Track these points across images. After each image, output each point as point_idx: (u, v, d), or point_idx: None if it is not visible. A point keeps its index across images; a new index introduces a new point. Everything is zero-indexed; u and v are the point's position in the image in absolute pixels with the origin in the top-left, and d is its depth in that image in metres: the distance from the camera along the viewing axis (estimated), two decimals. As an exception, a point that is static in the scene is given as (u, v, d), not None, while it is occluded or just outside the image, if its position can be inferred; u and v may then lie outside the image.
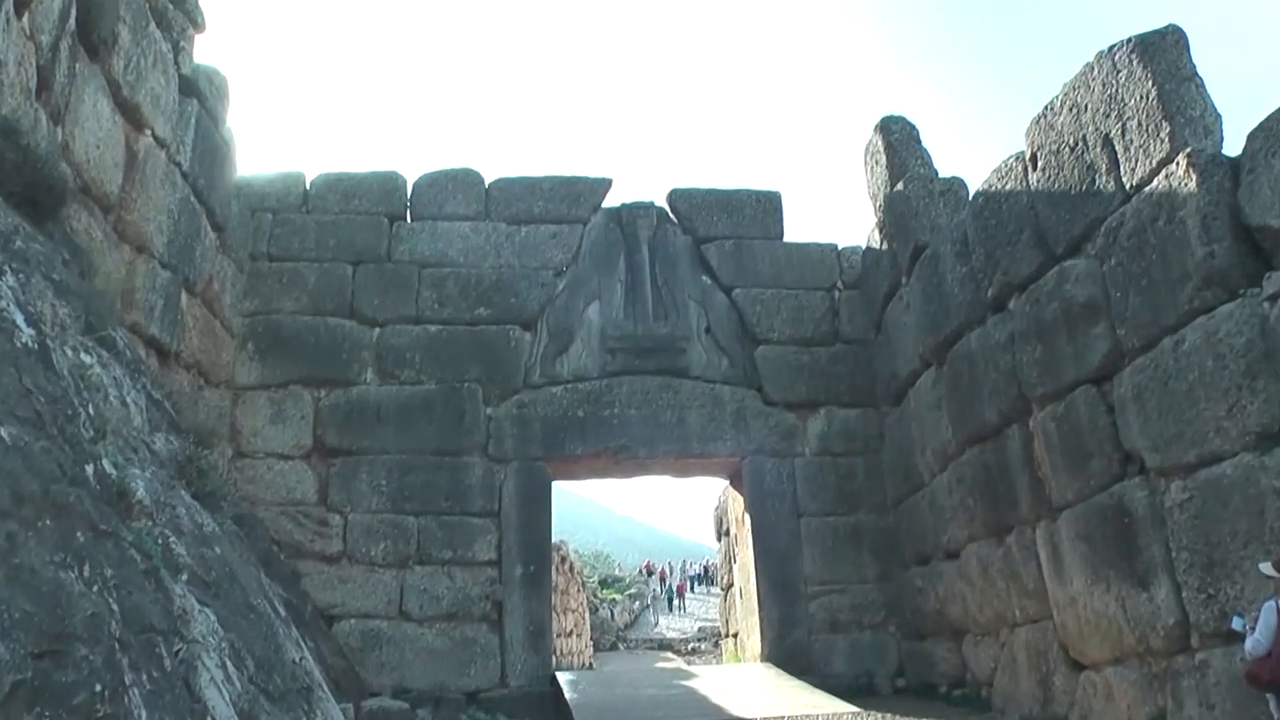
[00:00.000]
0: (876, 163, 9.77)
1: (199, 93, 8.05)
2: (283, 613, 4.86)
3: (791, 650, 9.15)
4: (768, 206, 10.49)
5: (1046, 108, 6.59)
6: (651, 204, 10.42)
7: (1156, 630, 5.57)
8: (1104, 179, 6.01)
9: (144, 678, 2.57)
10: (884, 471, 9.64)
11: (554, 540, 10.45)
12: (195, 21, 8.09)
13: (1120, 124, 5.85)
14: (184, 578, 3.41)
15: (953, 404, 8.01)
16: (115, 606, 2.61)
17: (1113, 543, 5.93)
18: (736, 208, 10.41)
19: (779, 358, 9.94)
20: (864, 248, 10.22)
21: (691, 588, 33.11)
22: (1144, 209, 5.60)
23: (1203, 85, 5.54)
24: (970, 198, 7.94)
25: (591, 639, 22.19)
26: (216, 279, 8.63)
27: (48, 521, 2.54)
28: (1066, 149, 6.34)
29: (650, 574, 35.00)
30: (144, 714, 2.46)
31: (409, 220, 10.05)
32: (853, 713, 7.19)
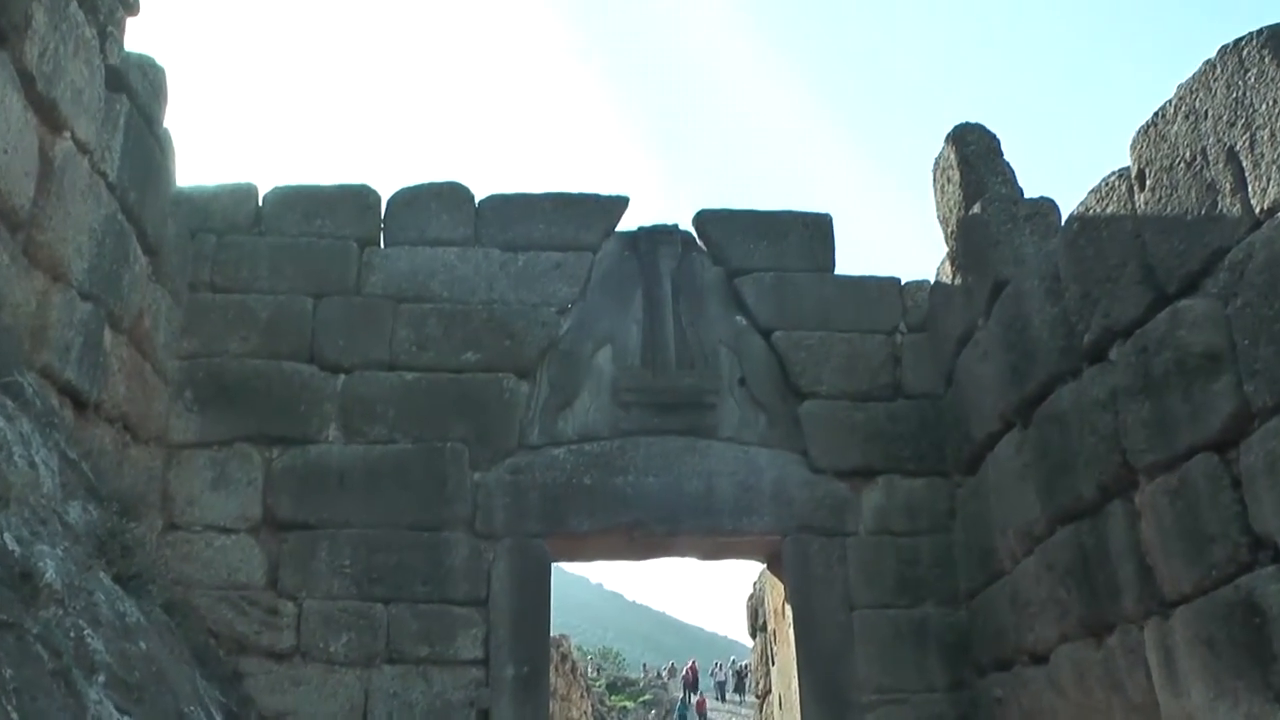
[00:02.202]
0: (948, 180, 9.74)
1: (130, 87, 8.04)
2: (221, 723, 4.81)
3: (842, 776, 9.10)
4: (816, 232, 10.46)
5: (1157, 115, 6.55)
6: (675, 228, 10.40)
7: (1296, 757, 5.44)
8: (1228, 201, 5.95)
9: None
10: (955, 555, 9.54)
11: (553, 635, 10.41)
12: (127, 2, 8.04)
13: (1248, 134, 5.80)
14: (101, 679, 3.37)
15: (1040, 473, 7.91)
16: (15, 716, 2.57)
17: (1241, 647, 5.79)
18: (778, 233, 10.39)
19: (828, 415, 9.87)
20: (932, 283, 10.18)
21: (721, 696, 32.85)
22: (1278, 238, 5.55)
23: (1349, 88, 5.51)
24: (1062, 223, 7.88)
25: (597, 756, 22.00)
26: (148, 313, 8.59)
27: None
28: (1181, 164, 6.30)
29: (673, 675, 34.79)
30: None
31: (383, 244, 10.05)
32: None
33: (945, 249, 9.84)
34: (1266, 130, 5.70)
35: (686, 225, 10.46)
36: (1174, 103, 6.42)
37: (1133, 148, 6.80)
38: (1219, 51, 6.08)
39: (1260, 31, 5.81)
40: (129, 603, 4.13)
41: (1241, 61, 5.88)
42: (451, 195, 10.24)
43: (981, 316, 8.97)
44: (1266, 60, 5.71)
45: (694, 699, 30.57)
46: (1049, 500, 7.82)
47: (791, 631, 9.60)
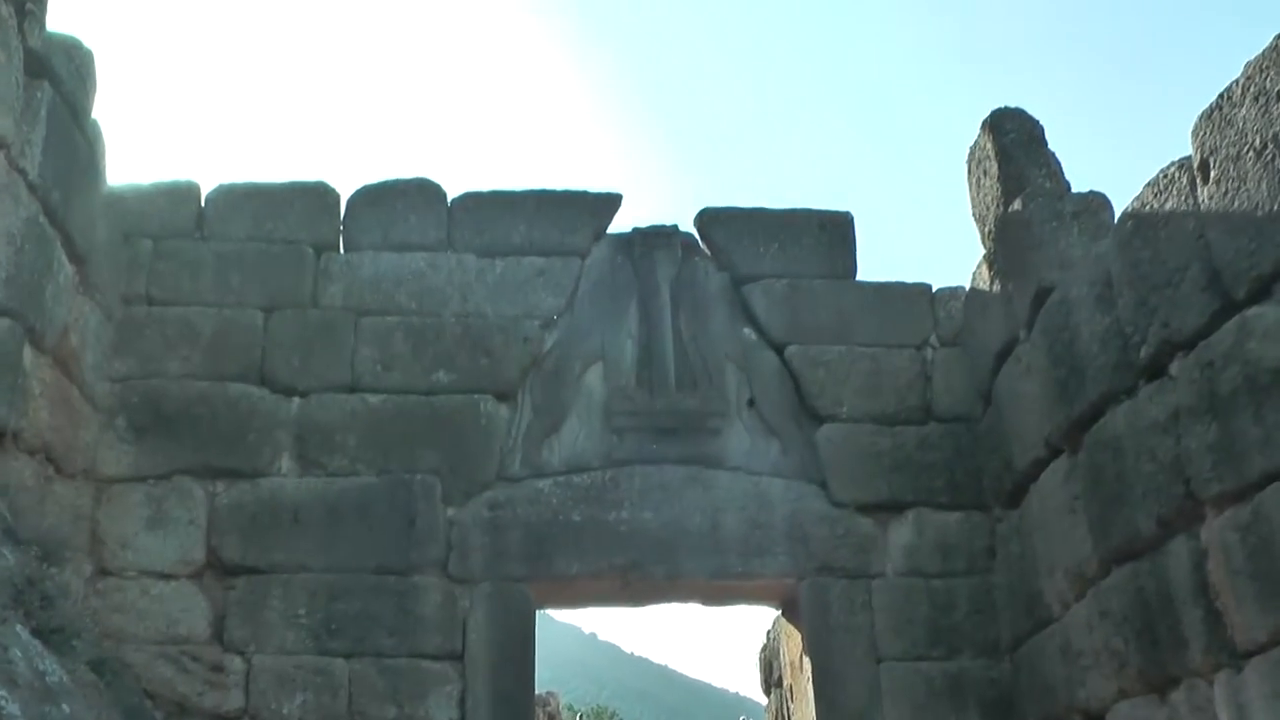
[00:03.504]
0: (984, 173, 9.73)
1: (54, 73, 8.00)
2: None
3: None
4: (835, 233, 10.47)
5: (1222, 97, 6.49)
6: (675, 229, 10.39)
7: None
8: (1304, 194, 5.91)
9: None
10: (996, 600, 9.49)
11: (539, 692, 10.37)
12: (50, -24, 8.06)
13: (1326, 118, 5.78)
14: (14, 751, 3.32)
15: (1092, 506, 7.86)
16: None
17: (1323, 703, 5.76)
18: (791, 235, 10.39)
19: (850, 441, 9.84)
20: (966, 290, 10.18)
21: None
22: (1360, 236, 5.50)
23: None
24: (1115, 221, 7.84)
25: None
26: (75, 330, 8.54)
27: None
28: (1250, 153, 6.23)
29: None
30: None
31: (342, 250, 10.03)
32: None
33: (981, 251, 9.82)
34: (1347, 113, 5.68)
35: (688, 226, 10.45)
36: (1241, 83, 6.35)
37: (1194, 135, 6.74)
38: (1293, 23, 6.07)
39: (1339, 0, 5.81)
40: (50, 660, 4.08)
41: (1319, 35, 5.86)
42: (420, 194, 10.24)
43: (1023, 328, 8.93)
44: (1347, 33, 5.70)
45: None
46: (1102, 537, 7.76)
47: (810, 687, 9.53)
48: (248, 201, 10.03)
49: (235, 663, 8.79)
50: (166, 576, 8.95)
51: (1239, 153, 6.35)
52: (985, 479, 9.79)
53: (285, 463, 9.38)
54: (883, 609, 9.48)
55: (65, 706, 3.85)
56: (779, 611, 10.74)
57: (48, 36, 8.01)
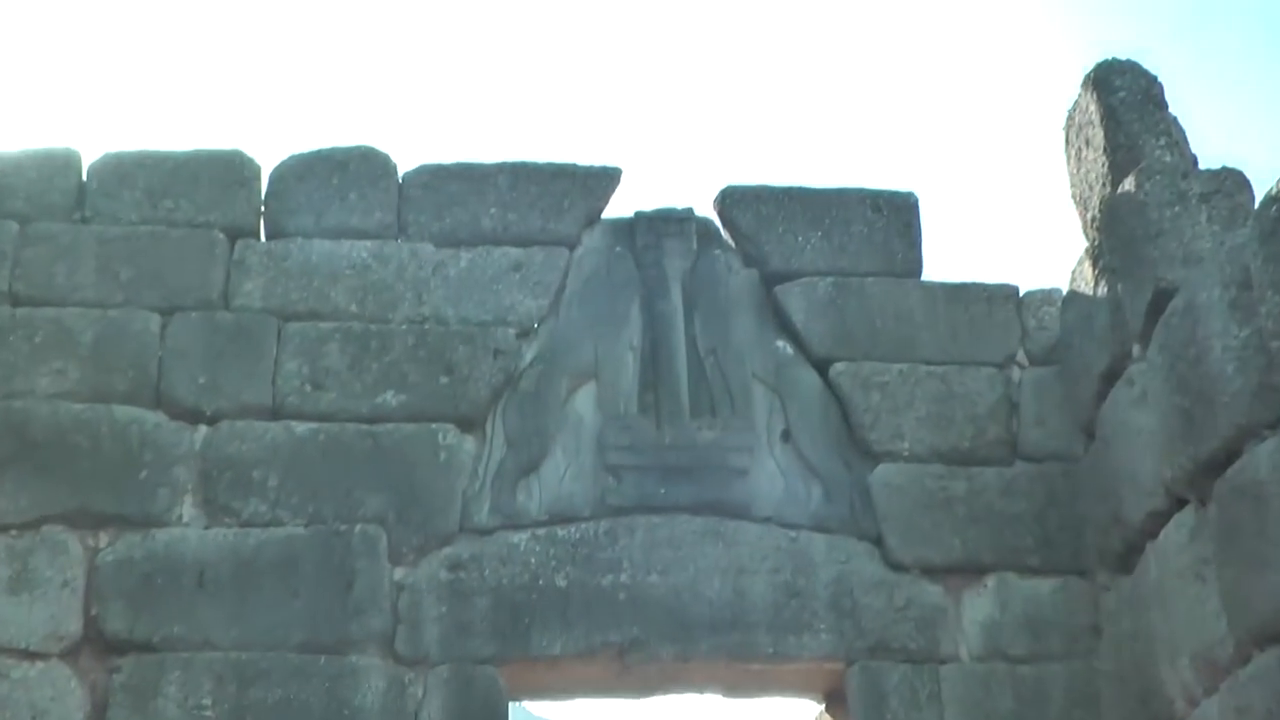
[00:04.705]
0: (1086, 143, 9.63)
1: None
2: None
3: None
4: (894, 218, 10.39)
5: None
6: (689, 213, 10.30)
7: None
8: None
9: None
10: (1102, 692, 9.31)
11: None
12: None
13: None
14: None
15: (1227, 572, 7.71)
16: None
17: None
18: (839, 220, 10.30)
19: (912, 485, 9.71)
20: (1063, 292, 10.09)
21: None
22: None
23: None
24: (1256, 205, 7.76)
25: None
26: (-85, 336, 8.53)
27: None
28: None
29: None
30: None
31: (263, 236, 9.99)
32: None
33: (1083, 243, 9.76)
34: None
35: (705, 208, 10.38)
36: None
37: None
38: None
39: None
40: None
41: None
42: (364, 165, 10.15)
43: (1136, 341, 8.86)
44: None
45: None
46: (1241, 612, 7.59)
47: (861, 806, 9.59)
48: (141, 173, 9.94)
49: (119, 770, 8.88)
50: (32, 655, 8.73)
51: None
52: (1087, 536, 9.63)
53: (187, 508, 9.24)
54: (955, 703, 9.30)
55: None
56: (821, 705, 10.41)
57: None
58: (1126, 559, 9.08)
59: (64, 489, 9.09)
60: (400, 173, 10.20)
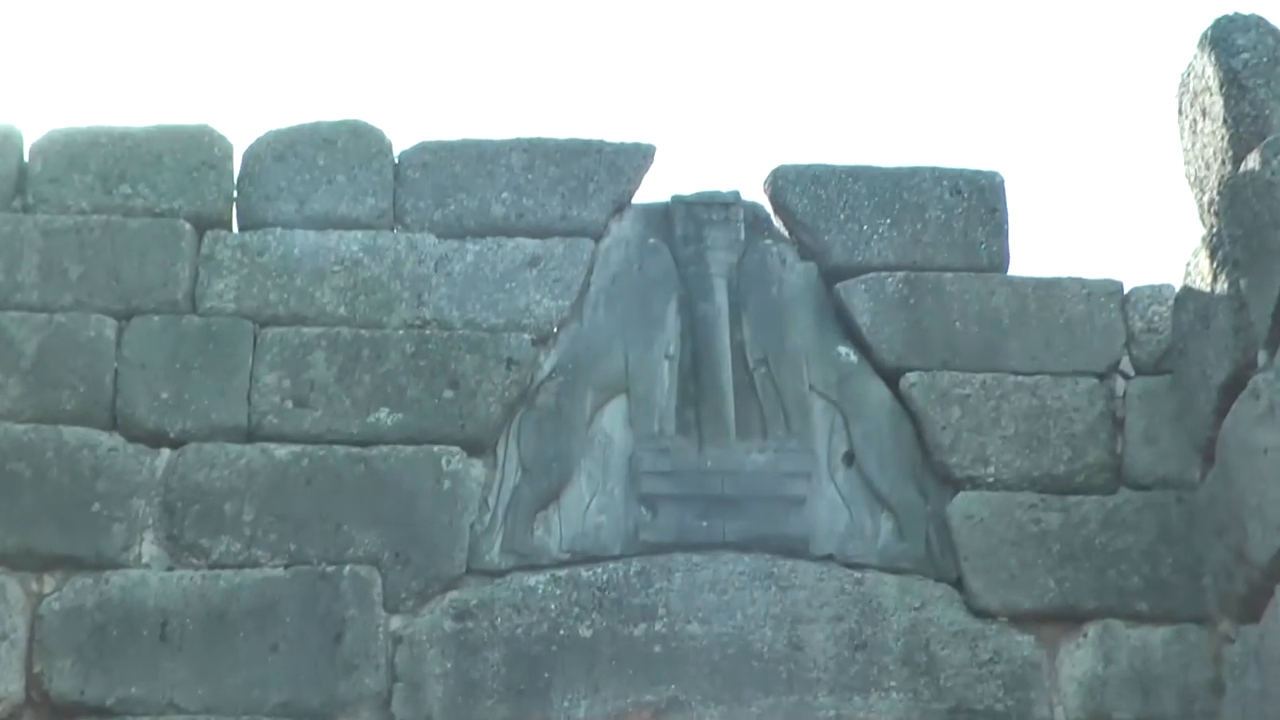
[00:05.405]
0: (1203, 113, 9.40)
1: None
2: None
3: None
4: (976, 202, 10.19)
5: None
6: (736, 197, 10.13)
7: None
8: None
9: None
10: (1228, 764, 9.07)
11: None
12: None
13: None
14: None
15: (1383, 626, 7.61)
16: None
17: None
18: (911, 206, 10.13)
19: (1000, 517, 9.52)
20: (1175, 289, 9.86)
21: None
22: None
23: None
24: None
25: None
26: None
27: None
28: None
29: None
30: None
31: (236, 227, 9.86)
32: None
33: (1199, 230, 9.59)
34: None
35: (755, 192, 10.19)
36: None
37: None
38: None
39: None
40: None
41: None
42: (353, 143, 10.03)
43: (1264, 347, 8.76)
44: None
45: None
46: None
47: None
48: (93, 153, 9.81)
49: None
50: (-32, 720, 8.78)
51: None
52: (1207, 577, 9.44)
53: (147, 547, 9.16)
54: (1053, 777, 9.26)
55: None
56: (894, 778, 10.44)
57: None
58: (1252, 604, 8.90)
59: (2, 525, 9.06)
60: (396, 151, 10.08)
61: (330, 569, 9.18)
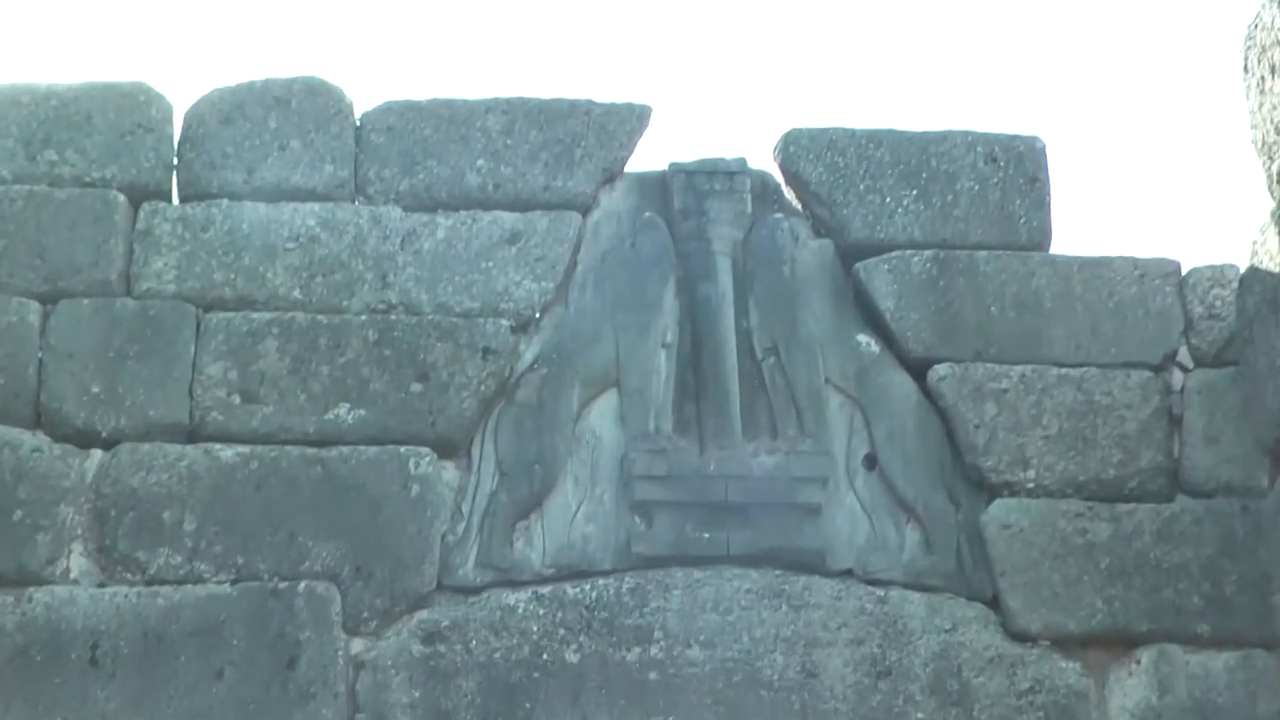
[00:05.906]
0: (1271, 70, 9.28)
1: None
2: None
3: None
4: (1015, 171, 10.07)
5: None
6: (742, 165, 9.99)
7: None
8: None
9: None
10: (1299, 805, 8.77)
11: None
12: None
13: None
14: None
15: None
16: None
17: None
18: (940, 175, 9.99)
19: (1041, 528, 9.39)
20: (1240, 270, 9.72)
21: None
22: None
23: None
24: None
25: None
26: None
27: None
28: None
29: None
30: None
31: (176, 198, 9.73)
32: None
33: (1268, 204, 9.45)
34: None
35: (764, 159, 10.00)
36: None
37: None
38: None
39: None
40: None
41: None
42: (309, 102, 9.90)
43: None
44: None
45: None
46: None
47: None
48: (14, 114, 9.71)
49: None
50: None
51: None
52: (1276, 595, 9.28)
53: (76, 560, 9.08)
54: (1099, 820, 9.01)
55: None
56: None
57: None
58: (1327, 626, 8.73)
59: (-89, 537, 8.89)
60: (358, 113, 9.94)
61: (283, 585, 9.13)
